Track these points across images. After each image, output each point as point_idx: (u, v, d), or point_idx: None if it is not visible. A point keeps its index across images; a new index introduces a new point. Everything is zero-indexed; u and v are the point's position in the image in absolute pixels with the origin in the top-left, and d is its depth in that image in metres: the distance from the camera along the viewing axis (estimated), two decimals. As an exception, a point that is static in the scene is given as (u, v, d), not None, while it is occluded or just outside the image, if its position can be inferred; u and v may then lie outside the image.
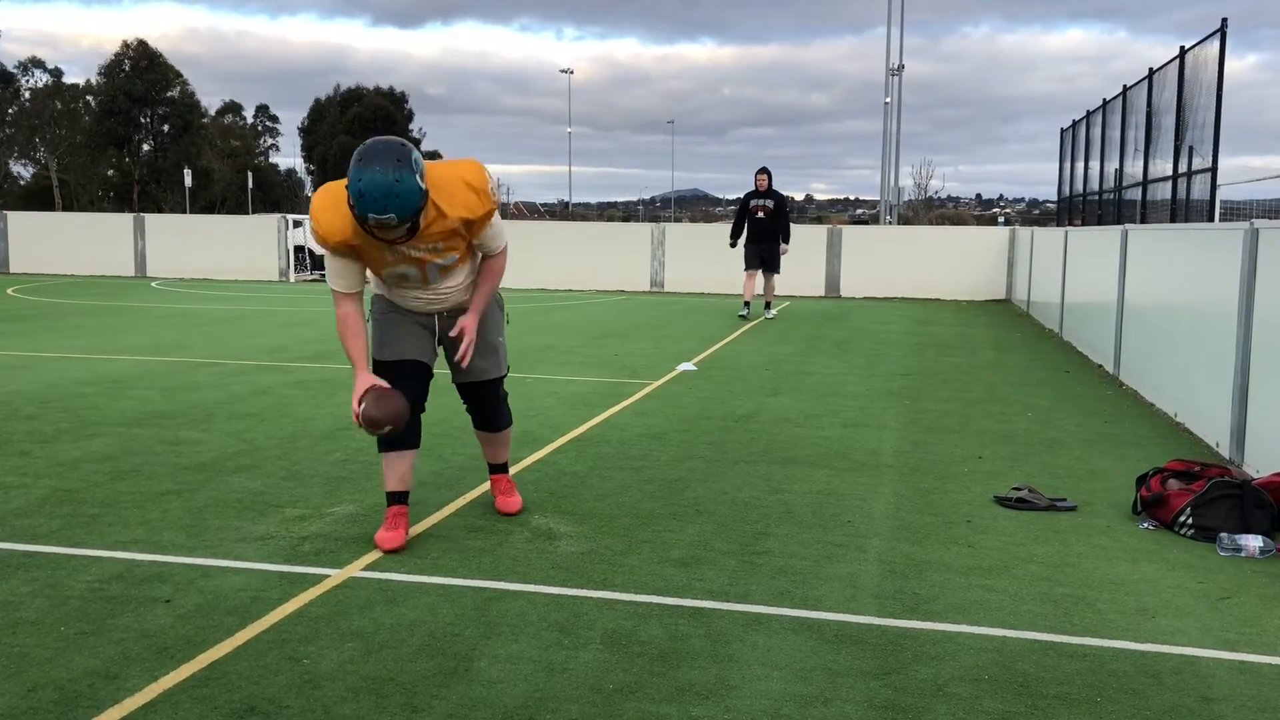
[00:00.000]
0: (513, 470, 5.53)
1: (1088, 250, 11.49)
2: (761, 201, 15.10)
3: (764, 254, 15.14)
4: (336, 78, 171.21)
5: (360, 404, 4.13)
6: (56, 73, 59.65)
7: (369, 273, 4.39)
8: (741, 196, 15.71)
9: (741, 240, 15.41)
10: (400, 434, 4.29)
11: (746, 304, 15.29)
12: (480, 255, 4.42)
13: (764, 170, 15.15)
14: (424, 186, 3.87)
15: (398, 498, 4.40)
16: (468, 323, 4.34)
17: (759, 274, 15.28)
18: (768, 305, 15.45)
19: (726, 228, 19.23)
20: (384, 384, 4.18)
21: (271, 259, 22.77)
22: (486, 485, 5.25)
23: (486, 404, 4.69)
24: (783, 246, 15.29)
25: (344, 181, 3.98)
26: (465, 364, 4.41)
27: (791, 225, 16.10)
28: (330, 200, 4.06)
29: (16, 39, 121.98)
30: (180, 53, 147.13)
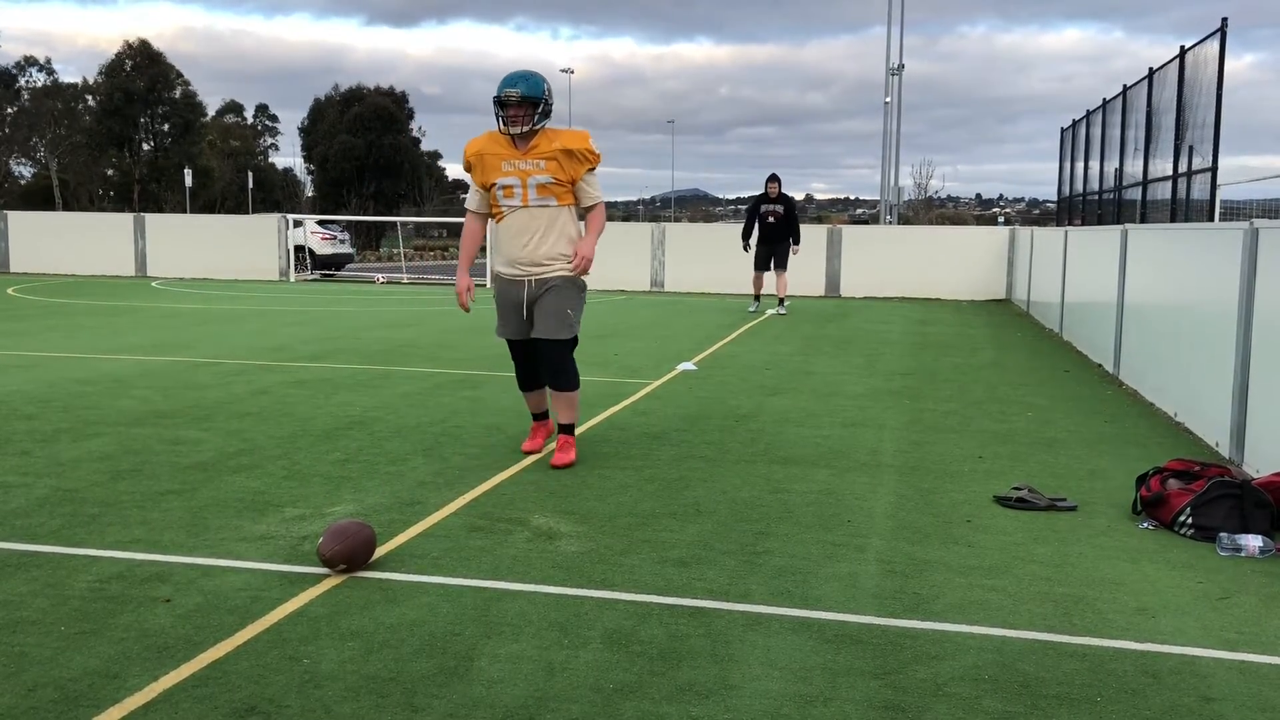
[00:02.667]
0: (513, 469, 5.55)
1: (1088, 250, 11.49)
2: (772, 207, 15.87)
3: (774, 253, 15.88)
4: (332, 77, 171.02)
5: (321, 539, 4.06)
6: (49, 69, 59.57)
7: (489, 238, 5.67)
8: (751, 200, 16.32)
9: (753, 241, 16.02)
10: (527, 378, 5.90)
11: (756, 299, 16.16)
12: (570, 215, 5.64)
13: (774, 178, 15.94)
14: (547, 95, 5.47)
15: (537, 417, 6.07)
16: (581, 248, 5.61)
17: (768, 272, 15.99)
18: (781, 301, 16.13)
19: (727, 228, 19.26)
20: (347, 520, 4.10)
21: (271, 259, 22.77)
22: (487, 485, 5.27)
23: (551, 361, 5.62)
24: (794, 247, 16.02)
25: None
26: (581, 275, 5.65)
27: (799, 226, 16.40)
28: (480, 135, 5.67)
29: (12, 38, 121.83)
30: (176, 52, 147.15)
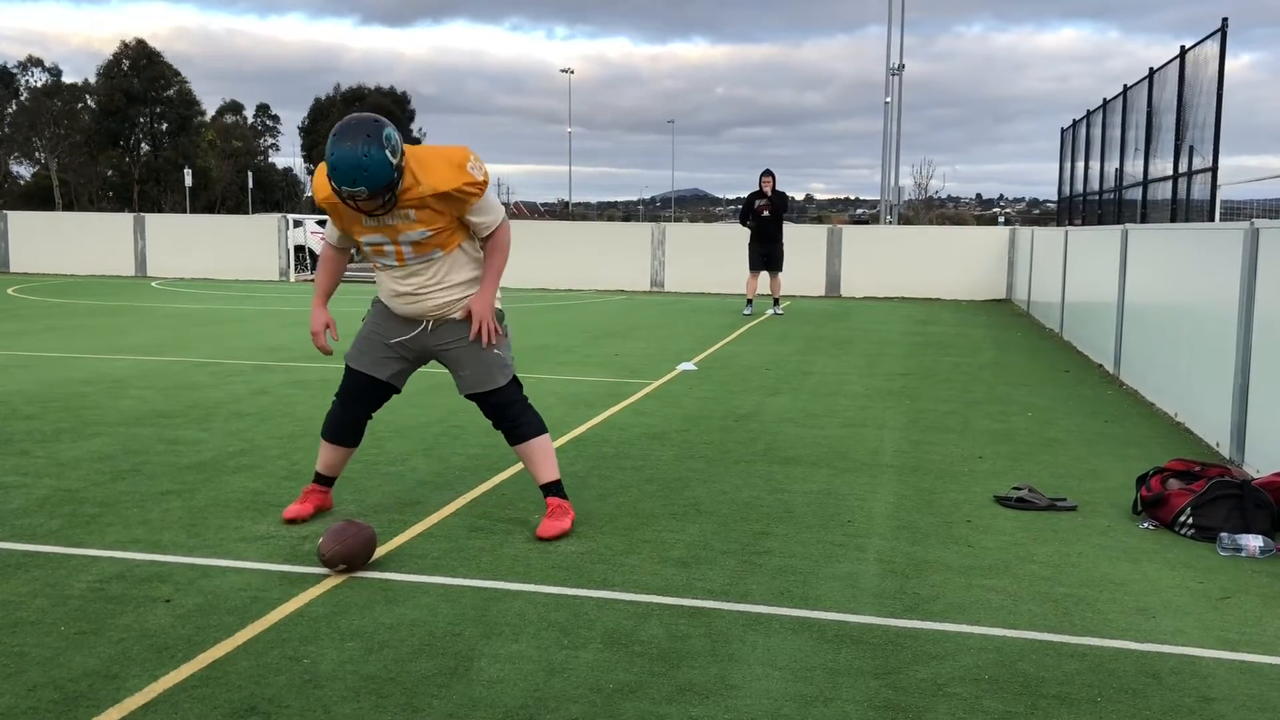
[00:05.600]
0: (513, 469, 5.52)
1: (1088, 250, 11.49)
2: (766, 201, 15.55)
3: (767, 253, 15.74)
4: (328, 77, 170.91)
5: (320, 539, 4.02)
6: (55, 71, 59.67)
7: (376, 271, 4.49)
8: (745, 196, 16.22)
9: (746, 240, 15.83)
10: (345, 425, 4.62)
11: (749, 302, 15.96)
12: (464, 250, 4.39)
13: (768, 173, 15.81)
14: (395, 161, 4.00)
15: (319, 478, 4.75)
16: (475, 304, 4.36)
17: (762, 274, 15.86)
18: (776, 302, 16.08)
19: (727, 227, 19.29)
20: (346, 521, 4.04)
21: (271, 259, 22.77)
22: (487, 485, 5.27)
23: (495, 413, 4.53)
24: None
25: None
26: (485, 344, 4.40)
27: (792, 223, 16.34)
28: (322, 169, 4.23)
29: (6, 38, 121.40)
30: (171, 52, 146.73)
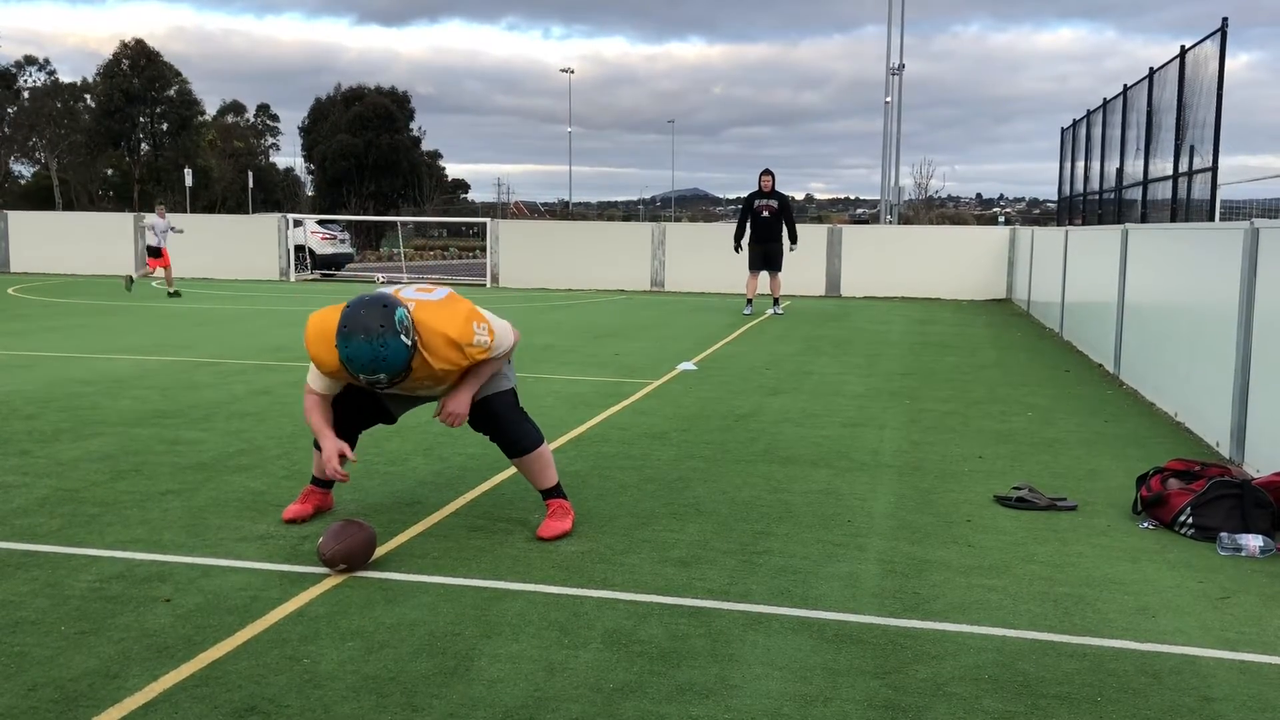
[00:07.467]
0: (511, 470, 5.51)
1: (1088, 250, 11.50)
2: (765, 201, 15.48)
3: (767, 254, 15.68)
4: (326, 77, 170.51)
5: (320, 538, 4.02)
6: (50, 69, 59.63)
7: None
8: (745, 196, 16.09)
9: (746, 240, 15.70)
10: (344, 430, 4.54)
11: (749, 302, 15.95)
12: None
13: (767, 171, 15.69)
14: (410, 342, 3.97)
15: (316, 481, 4.75)
16: (451, 404, 4.31)
17: (762, 274, 15.79)
18: (776, 302, 16.03)
19: (726, 227, 19.27)
20: (347, 520, 4.04)
21: (271, 259, 22.77)
22: (486, 485, 5.27)
23: (491, 423, 4.43)
24: (791, 247, 15.81)
25: (336, 315, 4.11)
26: (452, 424, 4.37)
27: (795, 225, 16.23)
28: (320, 333, 4.16)
29: (2, 37, 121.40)
30: (168, 51, 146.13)
